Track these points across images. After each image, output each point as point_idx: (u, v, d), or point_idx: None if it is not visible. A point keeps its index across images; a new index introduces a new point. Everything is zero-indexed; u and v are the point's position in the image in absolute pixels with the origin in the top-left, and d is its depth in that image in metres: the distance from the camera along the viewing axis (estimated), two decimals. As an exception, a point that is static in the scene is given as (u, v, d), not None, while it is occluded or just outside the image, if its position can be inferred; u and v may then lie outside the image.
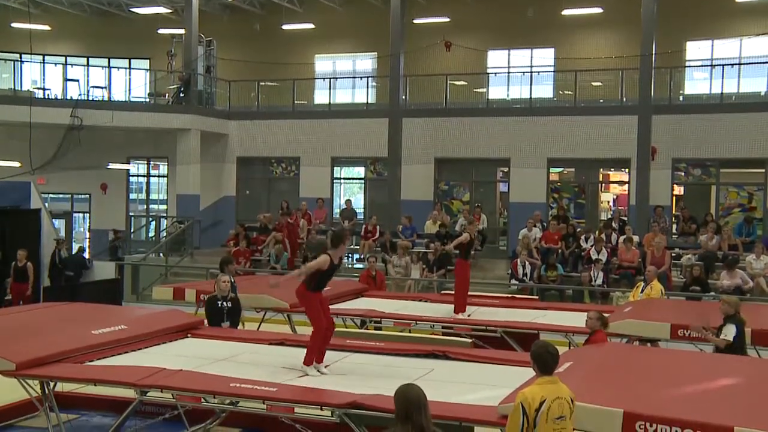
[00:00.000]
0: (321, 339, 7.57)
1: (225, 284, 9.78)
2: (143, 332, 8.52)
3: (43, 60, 26.48)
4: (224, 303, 9.70)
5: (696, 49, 22.52)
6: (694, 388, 6.25)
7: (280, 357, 7.97)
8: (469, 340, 9.17)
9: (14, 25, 26.39)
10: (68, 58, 27.08)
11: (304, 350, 7.46)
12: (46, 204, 21.04)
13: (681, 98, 22.17)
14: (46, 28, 27.28)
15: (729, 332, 8.48)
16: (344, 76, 25.76)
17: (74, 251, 21.03)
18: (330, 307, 11.29)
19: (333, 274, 7.84)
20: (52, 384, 7.18)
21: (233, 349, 8.32)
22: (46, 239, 19.33)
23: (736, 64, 21.24)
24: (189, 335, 8.99)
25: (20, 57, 25.53)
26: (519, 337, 9.97)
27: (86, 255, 22.10)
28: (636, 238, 17.40)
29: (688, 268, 16.25)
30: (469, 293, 11.87)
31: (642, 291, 12.09)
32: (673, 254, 16.93)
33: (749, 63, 21.49)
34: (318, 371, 7.41)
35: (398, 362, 7.79)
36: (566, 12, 23.01)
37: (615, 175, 22.55)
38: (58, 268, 18.97)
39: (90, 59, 27.16)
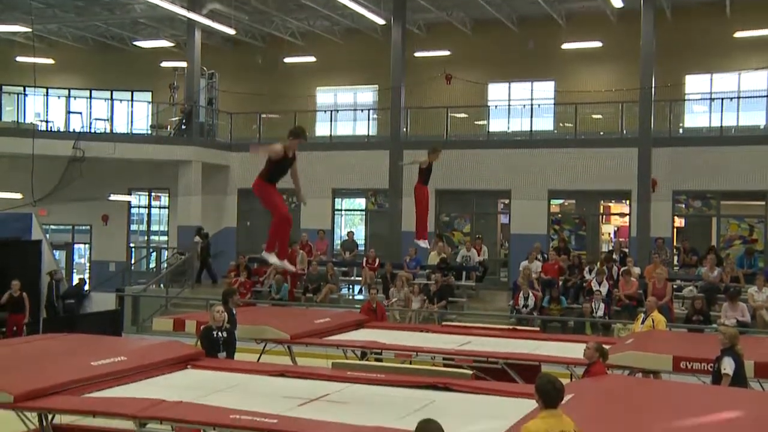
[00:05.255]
0: (278, 224, 8.19)
1: (219, 314, 9.75)
2: (143, 363, 8.46)
3: (47, 93, 26.73)
4: (219, 333, 9.67)
5: (695, 83, 22.66)
6: (696, 421, 6.20)
7: (280, 388, 7.92)
8: (471, 372, 9.10)
9: (19, 59, 26.67)
10: (71, 90, 27.38)
11: (306, 382, 7.40)
12: (47, 235, 21.04)
13: (681, 131, 22.27)
14: (50, 61, 27.54)
15: (727, 366, 8.36)
16: (345, 108, 25.92)
17: (75, 282, 21.02)
18: (331, 338, 11.36)
19: (287, 169, 8.18)
20: (50, 416, 7.12)
21: (233, 381, 8.26)
22: (47, 271, 19.30)
23: (735, 97, 21.36)
24: (189, 366, 8.93)
25: (24, 90, 25.77)
26: (521, 368, 9.90)
27: (86, 287, 22.08)
28: (637, 270, 17.36)
29: (689, 300, 16.21)
30: (471, 325, 11.77)
31: (642, 323, 12.04)
32: (674, 286, 16.89)
33: (748, 96, 21.62)
34: (277, 260, 8.27)
35: (399, 394, 7.73)
36: (566, 46, 23.21)
37: (616, 207, 22.58)
38: (55, 302, 18.84)
39: (93, 92, 27.38)
